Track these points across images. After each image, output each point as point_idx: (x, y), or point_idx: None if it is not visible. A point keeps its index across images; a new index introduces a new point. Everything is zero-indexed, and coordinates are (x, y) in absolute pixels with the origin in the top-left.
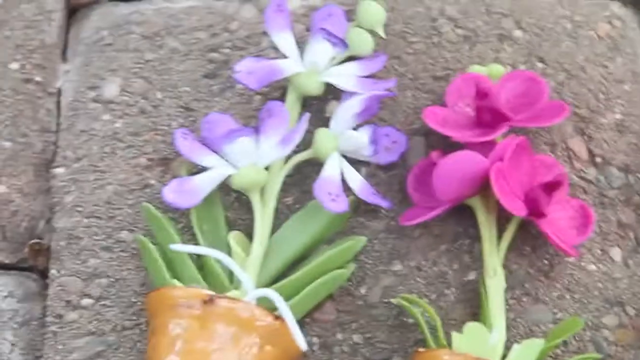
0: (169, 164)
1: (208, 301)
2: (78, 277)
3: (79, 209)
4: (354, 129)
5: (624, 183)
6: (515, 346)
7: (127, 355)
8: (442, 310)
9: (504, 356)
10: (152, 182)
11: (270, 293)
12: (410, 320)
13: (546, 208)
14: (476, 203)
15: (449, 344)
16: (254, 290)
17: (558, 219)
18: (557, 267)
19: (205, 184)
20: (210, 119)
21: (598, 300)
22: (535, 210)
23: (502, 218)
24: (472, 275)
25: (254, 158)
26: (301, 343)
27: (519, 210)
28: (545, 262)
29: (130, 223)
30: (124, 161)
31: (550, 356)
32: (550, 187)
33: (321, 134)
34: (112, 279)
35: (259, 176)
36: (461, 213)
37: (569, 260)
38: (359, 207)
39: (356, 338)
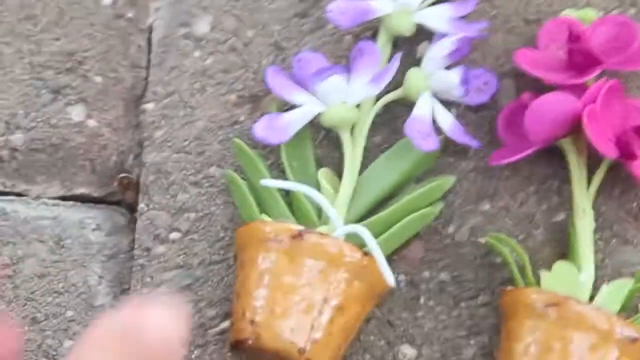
0: (259, 101)
1: (297, 236)
2: (166, 211)
3: (169, 144)
4: (445, 69)
5: None
6: (604, 286)
7: (215, 289)
8: (530, 251)
9: (593, 296)
10: (242, 118)
11: (359, 229)
12: (498, 260)
13: (637, 151)
14: (567, 145)
15: (538, 284)
16: (342, 227)
17: None
18: None
19: (295, 120)
20: (302, 56)
21: None
22: (627, 153)
23: (593, 160)
24: (560, 216)
25: (345, 96)
26: (389, 279)
27: (610, 152)
28: (635, 204)
29: (219, 159)
30: (213, 98)
31: (639, 297)
32: None
33: (412, 73)
34: (200, 214)
35: (349, 114)
36: (550, 155)
37: None
38: (448, 147)
39: (443, 276)
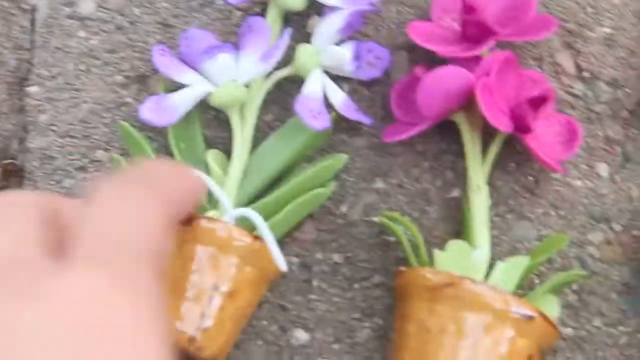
0: (146, 81)
1: (185, 222)
2: None
3: (54, 128)
4: (337, 44)
5: (612, 97)
6: (500, 263)
7: None
8: (424, 228)
9: (488, 274)
10: (129, 100)
11: (249, 213)
12: (392, 239)
13: (532, 123)
14: (460, 119)
15: (432, 262)
16: (232, 210)
17: (544, 135)
18: (542, 184)
19: (183, 101)
20: (189, 34)
21: (583, 216)
22: (521, 126)
23: (487, 134)
24: (455, 193)
25: (234, 75)
26: (281, 264)
27: (504, 125)
28: (531, 178)
29: (106, 142)
30: (100, 79)
31: (535, 274)
32: (537, 102)
33: (302, 49)
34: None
35: (238, 93)
36: (444, 129)
37: (555, 177)
38: (341, 124)
39: (336, 257)
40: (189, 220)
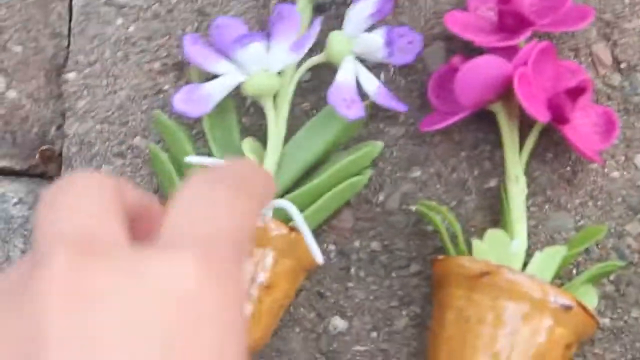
0: (184, 69)
1: None
2: None
3: (91, 114)
4: (368, 31)
5: None
6: (537, 253)
7: None
8: (462, 218)
9: (526, 263)
10: (166, 87)
11: (285, 204)
12: (430, 228)
13: (570, 114)
14: (498, 109)
15: (470, 252)
16: None
17: (582, 125)
18: (580, 174)
19: (216, 91)
20: (219, 23)
21: (621, 207)
22: (559, 116)
23: (525, 124)
24: (493, 182)
25: (266, 64)
26: (317, 256)
27: (542, 115)
28: (568, 169)
29: (144, 129)
30: (137, 66)
31: (572, 264)
32: (574, 93)
33: (334, 37)
34: None
35: (270, 82)
36: (482, 119)
37: (592, 167)
38: (378, 113)
39: (374, 245)
40: None
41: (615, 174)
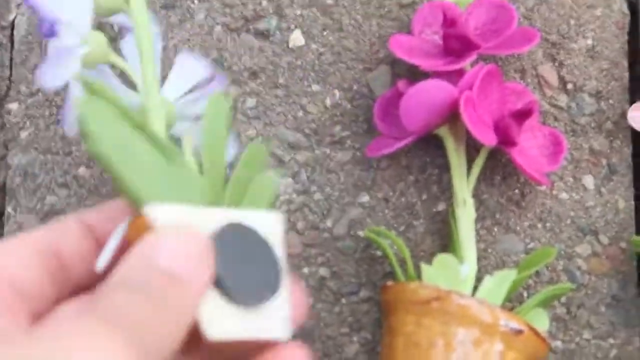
0: None
1: None
2: (35, 214)
3: (35, 145)
4: None
5: (596, 109)
6: (487, 277)
7: None
8: (410, 242)
9: (476, 287)
10: None
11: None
12: (379, 253)
13: (517, 137)
14: (445, 133)
15: (419, 277)
16: None
17: (529, 148)
18: (529, 196)
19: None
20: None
21: (570, 229)
22: (506, 139)
23: (472, 147)
24: (441, 206)
25: None
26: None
27: (489, 139)
28: (516, 191)
29: (88, 159)
30: None
31: (523, 287)
32: (521, 115)
33: None
34: None
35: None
36: (429, 143)
37: (541, 189)
38: (324, 139)
39: (323, 272)
40: None
41: (564, 195)
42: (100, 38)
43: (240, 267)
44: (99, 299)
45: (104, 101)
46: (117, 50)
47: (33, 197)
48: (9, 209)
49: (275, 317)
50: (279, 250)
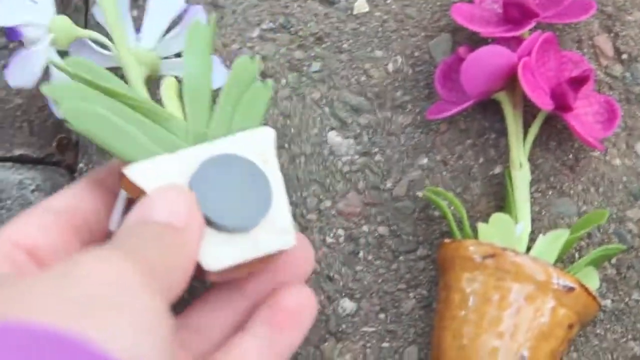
0: None
1: None
2: None
3: None
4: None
5: None
6: (541, 237)
7: None
8: (467, 203)
9: (529, 247)
10: None
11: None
12: (436, 213)
13: (572, 102)
14: (503, 98)
15: (475, 236)
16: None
17: (584, 114)
18: (582, 161)
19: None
20: None
21: (622, 193)
22: (562, 105)
23: (529, 113)
24: (497, 169)
25: None
26: (111, 222)
27: (545, 104)
28: (571, 156)
29: None
30: None
31: (575, 248)
32: (577, 82)
33: None
34: None
35: None
36: (487, 108)
37: (594, 155)
38: (385, 103)
39: (382, 230)
40: None
41: (617, 161)
42: (63, 21)
43: (225, 197)
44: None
45: (75, 81)
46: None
47: (105, 154)
48: (81, 165)
49: (272, 231)
50: (271, 165)
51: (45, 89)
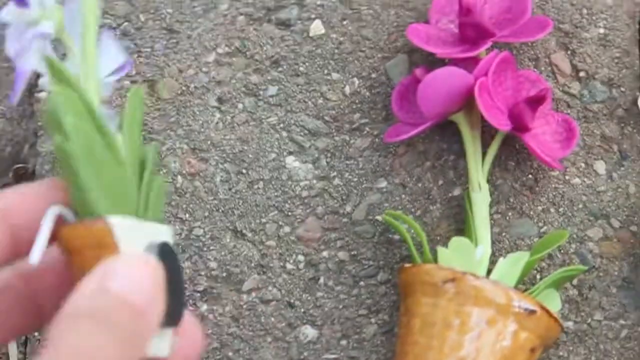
0: (154, 85)
1: None
2: None
3: None
4: None
5: (608, 97)
6: (501, 260)
7: None
8: (427, 226)
9: (490, 270)
10: None
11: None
12: (396, 237)
13: (530, 122)
14: (460, 119)
15: (435, 260)
16: None
17: (542, 134)
18: (542, 181)
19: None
20: None
21: (582, 213)
22: (520, 125)
23: (487, 133)
24: (456, 191)
25: None
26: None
27: (503, 124)
28: (530, 176)
29: None
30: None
31: (536, 269)
32: (534, 102)
33: None
34: None
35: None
36: (445, 130)
37: (554, 174)
38: (343, 126)
39: (342, 255)
40: None
41: (576, 180)
42: (61, 13)
43: (172, 288)
44: (56, 336)
45: (72, 91)
46: None
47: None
48: None
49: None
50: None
51: (52, 93)
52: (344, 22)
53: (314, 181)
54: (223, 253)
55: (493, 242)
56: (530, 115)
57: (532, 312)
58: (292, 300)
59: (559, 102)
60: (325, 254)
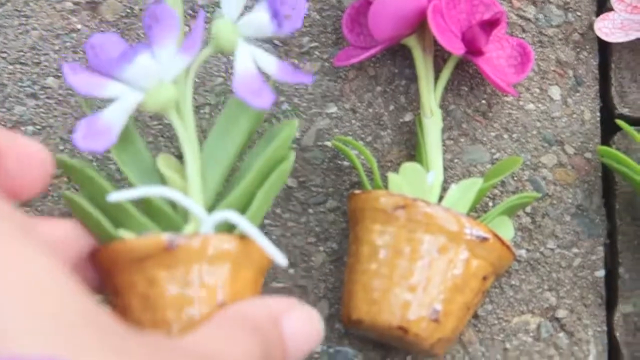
0: (97, 7)
1: (169, 248)
2: (3, 124)
3: (3, 55)
4: (248, 8)
5: (563, 21)
6: (453, 186)
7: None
8: (377, 153)
9: (442, 197)
10: (79, 26)
11: (228, 215)
12: (346, 163)
13: (484, 46)
14: (413, 43)
15: (386, 187)
16: (208, 218)
17: (496, 58)
18: (495, 107)
19: (115, 117)
20: (94, 42)
21: (536, 139)
22: (473, 49)
23: (439, 58)
24: (408, 117)
25: (158, 74)
26: (279, 258)
27: (456, 48)
28: (483, 102)
29: (56, 69)
30: (49, 5)
31: (489, 196)
32: (488, 25)
33: (219, 26)
34: (38, 127)
35: (169, 93)
36: (397, 54)
37: (507, 100)
38: (292, 50)
39: (290, 182)
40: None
41: (531, 106)
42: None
43: None
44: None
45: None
46: None
47: (1, 108)
48: None
49: None
50: None
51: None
52: None
53: None
54: None
55: (445, 169)
56: (484, 38)
57: (485, 239)
58: None
59: (514, 26)
60: None
